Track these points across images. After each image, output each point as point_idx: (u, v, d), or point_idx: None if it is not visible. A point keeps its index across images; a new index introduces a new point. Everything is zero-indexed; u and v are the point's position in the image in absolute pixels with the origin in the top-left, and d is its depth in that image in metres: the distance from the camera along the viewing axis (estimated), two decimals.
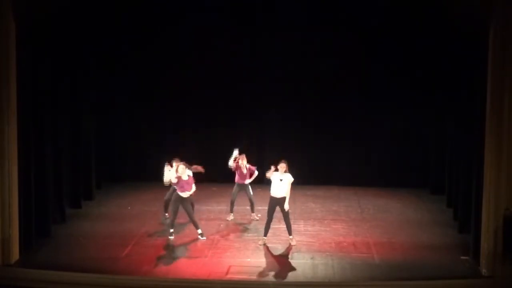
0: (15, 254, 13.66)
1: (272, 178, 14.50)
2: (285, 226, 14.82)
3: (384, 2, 16.49)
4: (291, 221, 15.92)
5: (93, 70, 17.48)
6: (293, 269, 13.54)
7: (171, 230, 14.99)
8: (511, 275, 12.74)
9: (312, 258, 14.01)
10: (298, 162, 18.13)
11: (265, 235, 14.73)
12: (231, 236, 15.10)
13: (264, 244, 14.64)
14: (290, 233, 14.77)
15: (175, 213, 14.91)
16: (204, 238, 14.91)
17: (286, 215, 14.63)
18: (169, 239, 14.91)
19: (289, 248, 14.55)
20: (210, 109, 18.83)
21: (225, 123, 18.81)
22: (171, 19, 17.66)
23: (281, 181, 14.47)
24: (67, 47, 15.74)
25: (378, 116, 18.66)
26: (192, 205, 15.16)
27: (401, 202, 17.75)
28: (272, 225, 15.01)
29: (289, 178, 14.51)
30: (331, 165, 18.94)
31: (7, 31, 13.22)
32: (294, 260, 13.94)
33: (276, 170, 14.45)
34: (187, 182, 14.77)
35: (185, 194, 14.76)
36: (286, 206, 14.45)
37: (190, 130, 18.87)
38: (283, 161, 14.55)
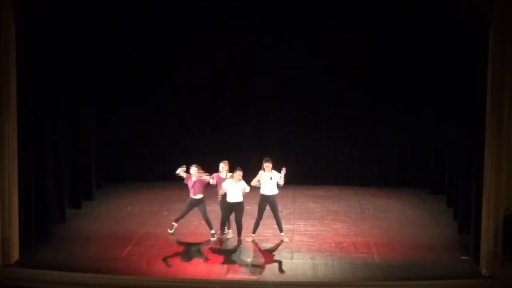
0: (15, 254, 13.66)
1: (262, 178, 14.60)
2: (285, 226, 14.84)
3: (384, 2, 16.49)
4: (292, 221, 16.02)
5: (94, 70, 17.47)
6: (293, 269, 13.53)
7: (174, 224, 15.08)
8: (511, 275, 12.75)
9: (312, 258, 14.01)
10: (298, 162, 18.25)
11: (254, 232, 14.82)
12: (231, 236, 15.08)
13: (253, 241, 14.72)
14: (281, 230, 14.84)
15: (185, 212, 15.08)
16: (214, 238, 14.95)
17: (276, 213, 14.73)
18: (169, 237, 14.97)
19: (280, 244, 14.63)
20: (210, 109, 18.84)
21: (225, 124, 18.84)
22: (172, 19, 17.66)
23: (271, 179, 14.58)
24: (67, 47, 15.73)
25: (378, 116, 18.67)
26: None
27: (401, 202, 17.75)
28: (272, 225, 15.05)
29: (277, 175, 14.66)
30: (331, 165, 18.94)
31: (7, 31, 13.22)
32: (294, 260, 13.94)
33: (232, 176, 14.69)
34: (197, 184, 14.84)
35: (197, 196, 14.85)
36: (282, 181, 14.62)
37: (190, 130, 18.88)
38: (267, 160, 14.66)
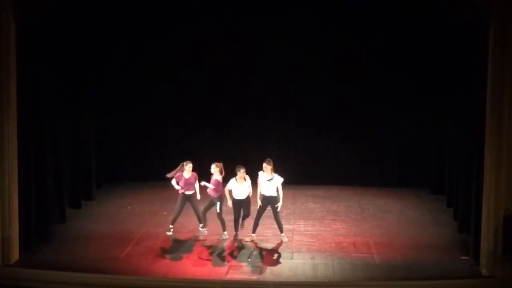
0: (15, 254, 13.66)
1: (260, 179, 14.64)
2: (285, 226, 14.88)
3: (384, 2, 16.49)
4: (292, 221, 16.03)
5: (94, 70, 17.47)
6: (293, 269, 13.53)
7: (171, 226, 15.13)
8: (511, 275, 12.75)
9: (312, 258, 14.01)
10: (298, 162, 18.27)
11: (254, 232, 14.87)
12: (231, 236, 15.09)
13: (253, 241, 14.76)
14: (281, 231, 14.86)
15: (179, 211, 15.13)
16: (206, 232, 15.10)
17: (276, 214, 14.74)
18: (169, 237, 14.99)
19: (280, 244, 14.66)
20: (210, 109, 18.84)
21: (225, 124, 18.85)
22: (172, 19, 17.65)
23: (268, 181, 14.61)
24: (67, 47, 15.73)
25: (378, 116, 18.67)
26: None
27: (401, 202, 17.75)
28: (272, 225, 15.05)
29: (278, 179, 14.66)
30: (331, 165, 18.94)
31: (7, 31, 13.22)
32: (294, 260, 13.94)
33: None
34: (189, 181, 14.95)
35: (188, 192, 14.98)
36: (279, 205, 14.61)
37: (190, 130, 18.88)
38: (267, 161, 14.68)
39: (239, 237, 14.94)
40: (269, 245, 14.69)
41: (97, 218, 16.44)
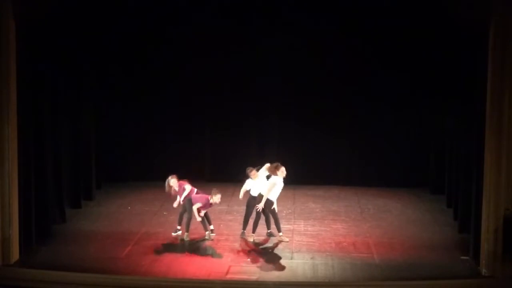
0: (15, 254, 13.64)
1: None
2: (285, 226, 14.91)
3: (384, 2, 16.50)
4: (292, 221, 16.03)
5: (94, 69, 17.47)
6: (293, 269, 13.52)
7: (178, 226, 15.14)
8: (511, 275, 12.75)
9: (312, 258, 14.01)
10: (298, 162, 18.25)
11: (254, 231, 14.87)
12: (231, 236, 15.10)
13: (253, 241, 14.77)
14: (279, 230, 14.86)
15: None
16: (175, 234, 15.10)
17: (273, 213, 14.76)
18: (169, 237, 15.02)
19: (279, 244, 14.67)
20: (210, 109, 18.86)
21: (225, 123, 18.85)
22: (172, 19, 17.66)
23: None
24: (67, 47, 15.73)
25: (378, 116, 18.68)
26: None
27: (401, 202, 17.75)
28: (272, 225, 15.02)
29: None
30: (331, 165, 18.95)
31: (7, 31, 13.21)
32: (294, 260, 13.94)
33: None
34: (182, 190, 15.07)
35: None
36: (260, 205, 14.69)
37: (190, 130, 18.89)
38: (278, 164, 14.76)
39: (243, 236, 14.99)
40: (269, 245, 14.69)
41: (97, 218, 16.43)
